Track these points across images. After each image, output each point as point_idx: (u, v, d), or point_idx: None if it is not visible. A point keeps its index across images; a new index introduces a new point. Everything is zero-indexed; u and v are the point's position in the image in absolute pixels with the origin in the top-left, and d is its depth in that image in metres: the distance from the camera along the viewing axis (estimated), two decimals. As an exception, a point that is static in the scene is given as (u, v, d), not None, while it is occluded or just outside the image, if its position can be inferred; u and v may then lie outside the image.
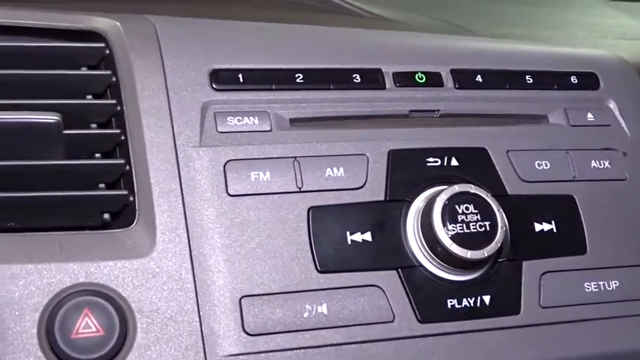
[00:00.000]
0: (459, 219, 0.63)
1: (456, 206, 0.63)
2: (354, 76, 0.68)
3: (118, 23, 0.67)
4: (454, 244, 0.62)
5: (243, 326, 0.60)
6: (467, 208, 0.63)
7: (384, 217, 0.64)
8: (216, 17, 0.75)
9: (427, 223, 0.63)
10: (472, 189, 0.64)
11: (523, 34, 0.91)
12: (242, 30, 0.71)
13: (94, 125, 0.65)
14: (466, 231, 0.62)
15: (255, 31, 0.71)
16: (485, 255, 0.62)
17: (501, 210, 0.64)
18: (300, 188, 0.64)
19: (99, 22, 0.67)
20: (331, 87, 0.68)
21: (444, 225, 0.62)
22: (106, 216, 0.63)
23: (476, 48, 0.75)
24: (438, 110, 0.70)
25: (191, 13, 0.77)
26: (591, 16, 1.15)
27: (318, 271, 0.62)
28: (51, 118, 0.62)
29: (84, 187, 0.63)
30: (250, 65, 0.67)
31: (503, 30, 0.91)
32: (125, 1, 0.84)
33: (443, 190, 0.63)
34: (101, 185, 0.64)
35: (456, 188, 0.63)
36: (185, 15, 0.75)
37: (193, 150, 0.63)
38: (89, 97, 0.66)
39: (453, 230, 0.62)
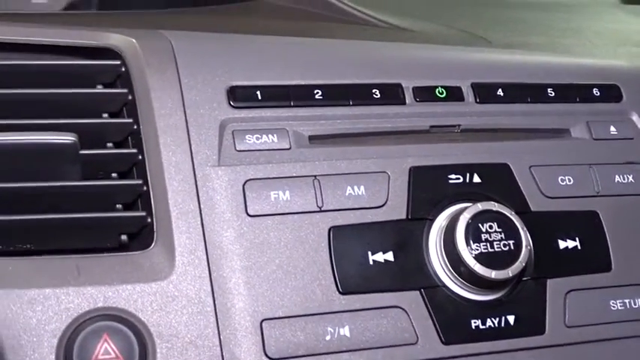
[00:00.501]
0: (483, 238, 0.61)
1: (480, 225, 0.62)
2: (373, 91, 0.67)
3: (134, 40, 0.66)
4: (478, 264, 0.61)
5: (264, 350, 0.59)
6: (490, 227, 0.62)
7: (406, 236, 0.63)
8: (230, 30, 0.74)
9: (450, 243, 0.62)
10: (495, 207, 0.62)
11: (541, 43, 0.89)
12: (258, 45, 0.69)
13: (109, 144, 0.64)
14: (490, 250, 0.61)
15: (272, 45, 0.70)
16: (510, 275, 0.61)
17: (525, 228, 0.63)
18: (320, 207, 0.62)
19: (114, 39, 0.66)
20: (350, 103, 0.66)
21: (468, 244, 0.61)
22: (124, 237, 0.62)
23: (496, 60, 0.74)
24: (459, 125, 0.68)
25: (203, 25, 0.76)
26: (607, 22, 1.13)
27: (340, 293, 0.61)
28: (67, 138, 0.61)
29: (101, 208, 0.62)
30: (268, 81, 0.66)
31: (520, 39, 0.90)
32: (136, 14, 0.83)
33: (466, 209, 0.62)
34: (118, 206, 0.63)
35: (479, 206, 0.62)
36: (196, 27, 0.75)
37: (212, 169, 0.62)
38: (105, 115, 0.65)
39: (477, 250, 0.61)
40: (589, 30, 1.04)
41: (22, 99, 0.63)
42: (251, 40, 0.70)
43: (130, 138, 0.64)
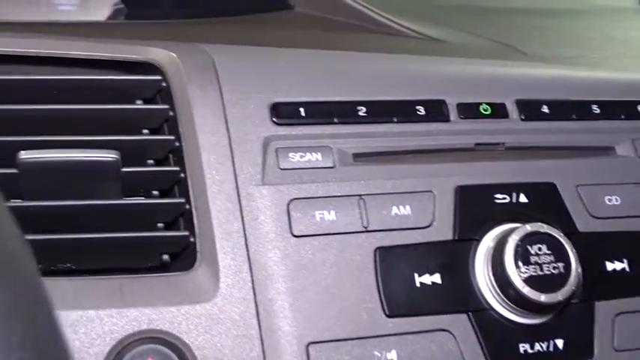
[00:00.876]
0: (532, 260, 0.60)
1: (528, 247, 0.61)
2: (417, 108, 0.66)
3: (174, 54, 0.64)
4: (527, 287, 0.60)
5: (311, 374, 0.58)
6: (539, 249, 0.61)
7: (453, 257, 0.62)
8: (266, 42, 0.73)
9: (498, 265, 0.61)
10: (544, 228, 0.61)
11: (575, 55, 0.88)
12: (299, 59, 0.68)
13: (150, 161, 0.63)
14: (539, 273, 0.60)
15: (313, 59, 0.68)
16: (560, 299, 0.60)
17: (574, 250, 0.61)
18: (365, 228, 0.61)
19: (154, 54, 0.65)
20: (395, 120, 0.65)
21: (517, 267, 0.60)
22: (166, 257, 0.61)
23: (538, 76, 0.73)
24: (504, 143, 0.67)
25: (238, 37, 0.75)
26: (633, 30, 1.12)
27: (387, 316, 0.60)
28: (109, 156, 0.59)
29: (142, 226, 0.60)
30: (311, 98, 0.65)
31: (554, 50, 0.88)
32: (166, 24, 0.81)
33: (514, 230, 0.61)
34: (159, 224, 0.61)
35: (528, 228, 0.61)
36: (232, 39, 0.73)
37: (255, 188, 0.61)
38: (145, 131, 0.64)
39: (526, 272, 0.60)
40: (616, 39, 1.03)
41: (61, 115, 0.62)
42: (292, 54, 0.69)
43: (171, 155, 0.63)
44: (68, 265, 0.59)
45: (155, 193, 0.62)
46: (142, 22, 0.81)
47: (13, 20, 0.79)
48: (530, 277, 0.60)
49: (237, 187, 0.61)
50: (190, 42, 0.69)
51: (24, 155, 0.59)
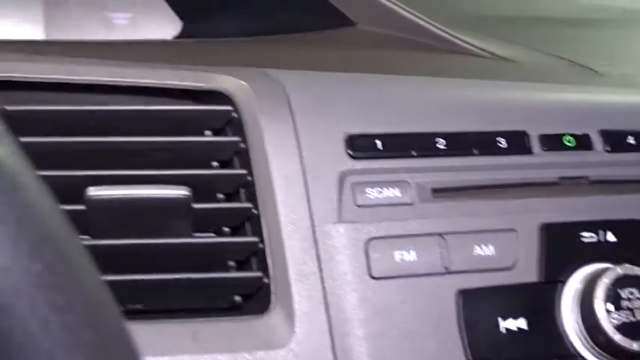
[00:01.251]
0: (623, 305, 0.57)
1: (619, 290, 0.57)
2: (498, 140, 0.63)
3: (245, 83, 0.61)
4: (618, 334, 0.57)
5: None
6: (631, 293, 0.57)
7: (539, 300, 0.59)
8: (333, 64, 0.70)
9: (587, 309, 0.57)
10: (636, 271, 0.58)
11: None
12: (373, 86, 0.65)
13: (220, 196, 0.60)
14: (631, 319, 0.57)
15: (387, 86, 0.65)
16: (654, 347, 0.57)
17: (667, 294, 0.58)
18: (447, 269, 0.58)
19: (224, 82, 0.62)
20: (475, 152, 0.62)
21: (608, 312, 0.57)
22: (238, 298, 0.58)
23: (621, 102, 0.69)
24: (588, 177, 0.64)
25: (303, 59, 0.71)
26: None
27: (470, 362, 0.57)
28: (181, 193, 0.57)
29: (213, 265, 0.58)
30: (387, 129, 0.62)
31: (627, 68, 0.85)
32: (223, 43, 0.78)
33: (604, 272, 0.58)
34: (230, 263, 0.59)
35: (619, 270, 0.58)
36: (297, 61, 0.70)
37: (332, 227, 0.58)
38: (215, 164, 0.61)
39: (618, 319, 0.57)
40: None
41: (126, 147, 0.59)
42: (365, 81, 0.66)
43: (242, 190, 0.60)
44: (138, 306, 0.57)
45: (226, 229, 0.60)
46: (200, 41, 0.78)
47: (67, 40, 0.76)
48: (623, 323, 0.57)
49: (312, 225, 0.58)
50: (256, 66, 0.66)
51: (92, 192, 0.56)
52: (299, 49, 0.75)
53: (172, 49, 0.75)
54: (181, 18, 0.83)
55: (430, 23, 0.84)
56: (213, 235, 0.59)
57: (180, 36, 0.80)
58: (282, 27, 0.82)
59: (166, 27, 0.82)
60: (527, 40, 0.91)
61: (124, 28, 0.83)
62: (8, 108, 0.58)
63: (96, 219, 0.57)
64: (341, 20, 0.83)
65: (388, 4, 0.83)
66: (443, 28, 0.84)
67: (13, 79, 0.60)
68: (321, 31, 0.81)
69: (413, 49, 0.81)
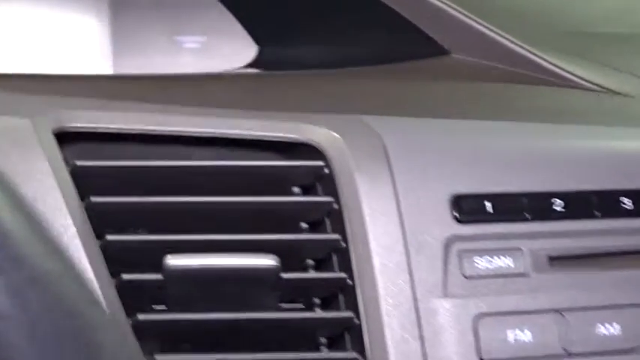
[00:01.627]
0: None
1: None
2: (622, 200, 0.56)
3: (338, 135, 0.55)
4: None
5: None
6: None
7: (671, 388, 0.52)
8: (429, 103, 0.64)
9: None
10: None
11: None
12: (480, 134, 0.58)
13: (310, 261, 0.54)
14: None
15: (496, 135, 0.59)
16: None
17: None
18: (566, 351, 0.52)
19: (314, 133, 0.56)
20: (597, 215, 0.55)
21: None
22: (330, 381, 0.52)
23: None
24: None
25: (401, 99, 0.65)
26: None
27: None
28: (269, 263, 0.51)
29: (302, 342, 0.52)
30: (497, 188, 0.55)
31: None
32: (305, 77, 0.72)
33: None
34: (322, 340, 0.53)
35: None
36: (390, 100, 0.64)
37: (437, 301, 0.52)
38: (303, 225, 0.55)
39: None
40: None
41: (206, 208, 0.54)
42: (469, 129, 0.59)
43: (334, 256, 0.54)
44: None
45: (316, 300, 0.54)
46: (279, 75, 0.72)
47: (135, 74, 0.70)
48: None
49: (414, 300, 0.52)
50: (344, 106, 0.60)
51: (171, 262, 0.50)
52: (390, 85, 0.69)
53: (249, 84, 0.69)
54: (258, 43, 0.77)
55: (531, 51, 0.77)
56: (301, 306, 0.54)
57: (256, 63, 0.74)
58: (368, 57, 0.76)
59: (241, 53, 0.76)
60: (629, 63, 0.83)
61: (195, 53, 0.77)
62: (79, 163, 0.53)
63: (174, 290, 0.51)
64: (433, 49, 0.77)
65: (485, 30, 0.76)
66: (544, 56, 0.77)
67: (81, 131, 0.55)
68: (412, 61, 0.75)
69: (513, 81, 0.74)
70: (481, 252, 0.53)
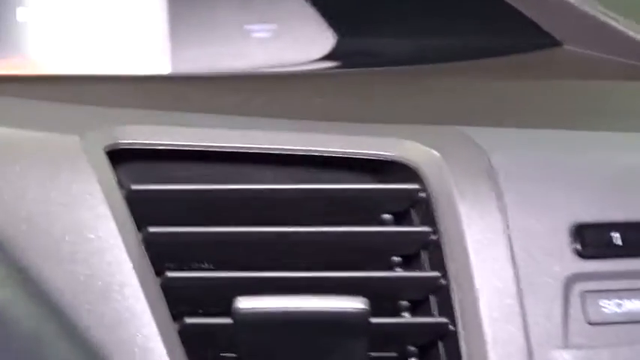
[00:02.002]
0: None
1: None
2: None
3: (436, 152, 0.47)
4: None
5: None
6: None
7: None
8: (542, 112, 0.56)
9: None
10: None
11: None
12: (604, 148, 0.50)
13: (404, 303, 0.47)
14: None
15: (624, 149, 0.51)
16: None
17: None
18: None
19: (406, 150, 0.48)
20: None
21: None
22: None
23: None
24: None
25: (508, 103, 0.57)
26: None
27: None
28: (356, 307, 0.43)
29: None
30: (627, 215, 0.47)
31: None
32: (391, 73, 0.65)
33: None
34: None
35: None
36: (492, 106, 0.56)
37: (556, 352, 0.44)
38: (396, 259, 0.47)
39: None
40: None
41: (285, 241, 0.47)
42: (593, 140, 0.51)
43: (432, 297, 0.47)
44: None
45: (412, 349, 0.46)
46: (360, 72, 0.65)
47: (197, 74, 0.64)
48: None
49: (529, 350, 0.44)
50: (440, 111, 0.53)
51: (242, 304, 0.44)
52: (493, 84, 0.61)
53: (326, 85, 0.62)
54: (338, 33, 0.69)
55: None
56: (394, 356, 0.46)
57: (335, 57, 0.66)
58: (466, 51, 0.68)
59: (315, 42, 0.68)
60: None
61: (266, 42, 0.70)
62: (134, 187, 0.46)
63: (246, 336, 0.45)
64: (542, 40, 0.69)
65: (601, 17, 0.68)
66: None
67: (137, 147, 0.48)
68: (518, 54, 0.67)
69: (635, 78, 0.65)
70: (608, 293, 0.46)
